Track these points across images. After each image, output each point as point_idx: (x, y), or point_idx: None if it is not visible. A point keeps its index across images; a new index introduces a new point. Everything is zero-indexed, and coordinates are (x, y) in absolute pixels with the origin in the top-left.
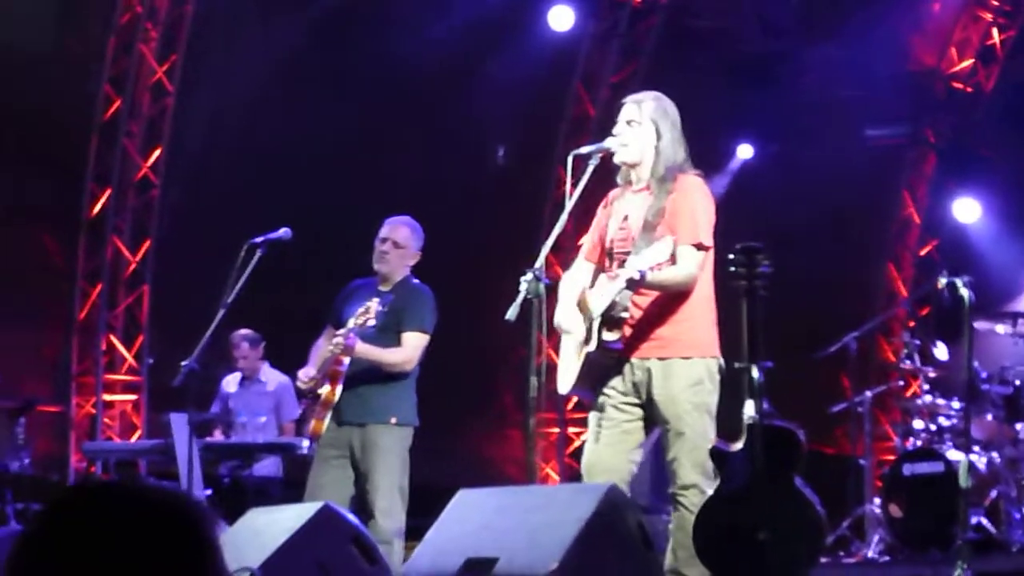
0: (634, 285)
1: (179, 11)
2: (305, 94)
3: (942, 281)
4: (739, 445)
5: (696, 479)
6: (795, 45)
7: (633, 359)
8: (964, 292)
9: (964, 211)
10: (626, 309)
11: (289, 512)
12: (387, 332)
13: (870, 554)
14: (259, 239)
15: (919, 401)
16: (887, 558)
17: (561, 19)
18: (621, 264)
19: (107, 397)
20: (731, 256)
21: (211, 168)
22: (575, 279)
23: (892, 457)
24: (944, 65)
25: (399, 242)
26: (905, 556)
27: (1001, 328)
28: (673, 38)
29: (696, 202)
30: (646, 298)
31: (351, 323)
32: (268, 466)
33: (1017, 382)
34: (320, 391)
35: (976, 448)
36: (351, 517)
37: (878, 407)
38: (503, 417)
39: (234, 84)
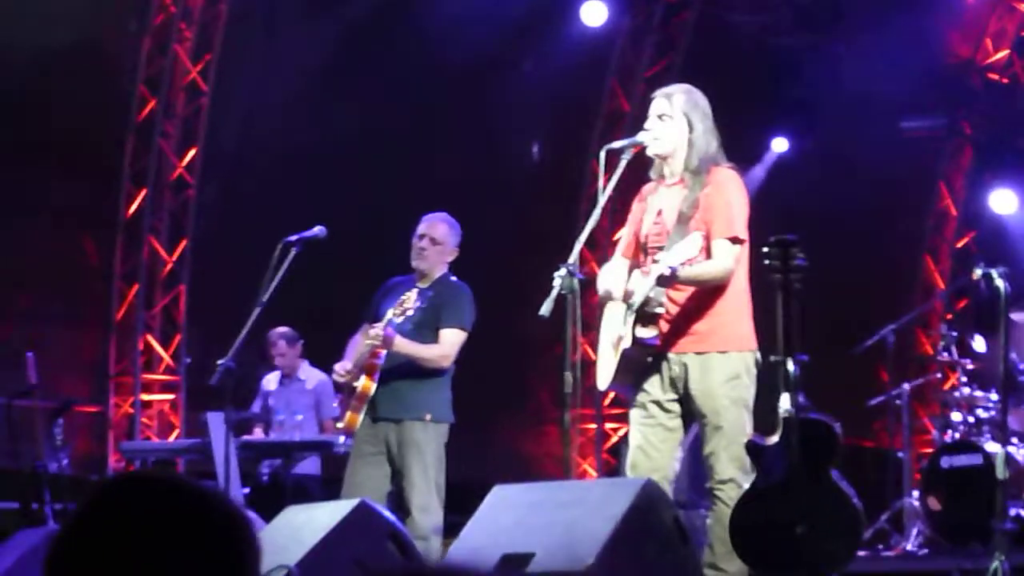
0: (666, 282)
1: (213, 11)
2: (340, 93)
3: (978, 272)
4: (775, 439)
5: (734, 473)
6: (829, 38)
7: (670, 354)
8: (1000, 283)
9: (1001, 202)
10: (661, 304)
11: (326, 509)
12: (425, 328)
13: (909, 547)
14: (294, 237)
15: (957, 393)
16: (926, 551)
17: (594, 14)
18: (655, 259)
19: (145, 397)
20: (766, 249)
21: (247, 167)
22: (612, 275)
23: (930, 450)
24: (979, 56)
25: (437, 239)
26: (944, 549)
27: None
28: (707, 32)
29: (730, 195)
30: (682, 293)
31: (389, 314)
32: (307, 464)
33: None
34: (356, 384)
35: (1014, 440)
36: (387, 514)
37: (916, 400)
38: (540, 413)
39: (270, 83)
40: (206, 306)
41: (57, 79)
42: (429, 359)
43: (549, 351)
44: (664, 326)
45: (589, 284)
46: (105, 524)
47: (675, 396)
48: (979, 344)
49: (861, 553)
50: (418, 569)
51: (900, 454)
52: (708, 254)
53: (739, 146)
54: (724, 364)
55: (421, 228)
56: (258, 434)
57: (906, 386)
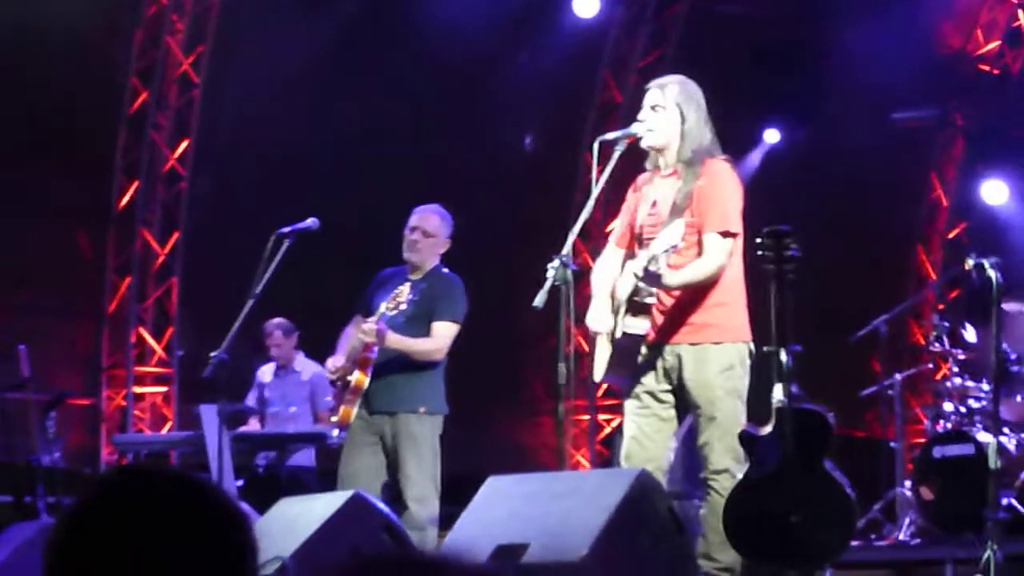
0: (655, 284)
1: (205, 3)
2: (333, 84)
3: (970, 263)
4: (768, 429)
5: (728, 464)
6: (822, 30)
7: (664, 345)
8: (992, 273)
9: (992, 193)
10: (651, 295)
11: (320, 501)
12: (418, 321)
13: (902, 537)
14: (287, 229)
15: (949, 384)
16: (919, 541)
17: (587, 6)
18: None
19: (137, 389)
20: (759, 240)
21: (239, 159)
22: (606, 266)
23: (923, 440)
24: (971, 47)
25: (429, 231)
26: (937, 538)
27: None
28: (700, 23)
29: (723, 188)
30: None
31: (382, 308)
32: (301, 456)
33: None
34: (350, 377)
35: (1006, 430)
36: (382, 505)
37: (908, 390)
38: (534, 404)
39: (262, 75)
40: (199, 298)
41: (49, 72)
42: (423, 352)
43: (543, 342)
44: (658, 317)
45: (583, 275)
46: (104, 516)
47: (669, 387)
48: (970, 334)
49: (854, 543)
50: (409, 555)
51: (892, 444)
52: (700, 247)
53: (731, 137)
54: (719, 355)
55: (413, 220)
56: (254, 426)
57: (898, 376)
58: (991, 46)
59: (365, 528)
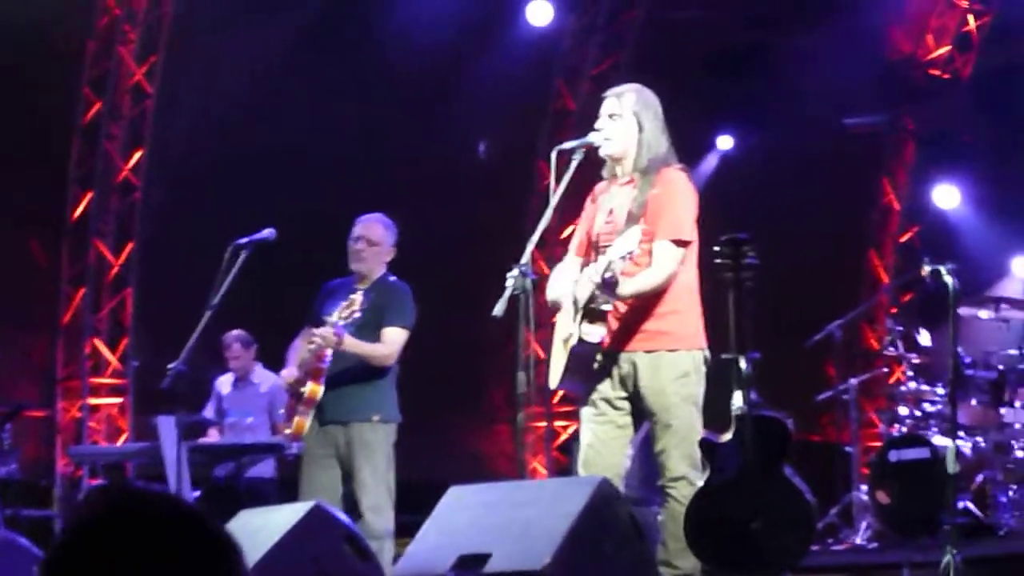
0: (608, 292)
1: (158, 13)
2: (287, 94)
3: (926, 268)
4: (728, 436)
5: (685, 471)
6: (775, 36)
7: (619, 352)
8: (949, 279)
9: (944, 197)
10: (607, 302)
11: (281, 513)
12: (367, 329)
13: (859, 541)
14: (244, 240)
15: (904, 388)
16: (875, 544)
17: (540, 14)
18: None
19: (93, 401)
20: (717, 248)
21: (194, 169)
22: (564, 274)
23: (878, 444)
24: (921, 52)
25: (373, 239)
26: (894, 542)
27: (984, 313)
28: (653, 30)
29: (678, 196)
30: None
31: (335, 316)
32: (260, 467)
33: (1001, 367)
34: (303, 389)
35: (961, 433)
36: (343, 516)
37: (863, 394)
38: (492, 413)
39: (217, 85)
40: (154, 309)
41: (2, 82)
42: (377, 357)
43: (501, 351)
44: (613, 324)
45: (542, 284)
46: (97, 539)
47: (625, 394)
48: (924, 338)
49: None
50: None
51: (848, 448)
52: (651, 255)
53: (685, 144)
54: (673, 362)
55: (356, 230)
56: (212, 437)
57: (854, 381)
58: (941, 51)
59: (326, 539)
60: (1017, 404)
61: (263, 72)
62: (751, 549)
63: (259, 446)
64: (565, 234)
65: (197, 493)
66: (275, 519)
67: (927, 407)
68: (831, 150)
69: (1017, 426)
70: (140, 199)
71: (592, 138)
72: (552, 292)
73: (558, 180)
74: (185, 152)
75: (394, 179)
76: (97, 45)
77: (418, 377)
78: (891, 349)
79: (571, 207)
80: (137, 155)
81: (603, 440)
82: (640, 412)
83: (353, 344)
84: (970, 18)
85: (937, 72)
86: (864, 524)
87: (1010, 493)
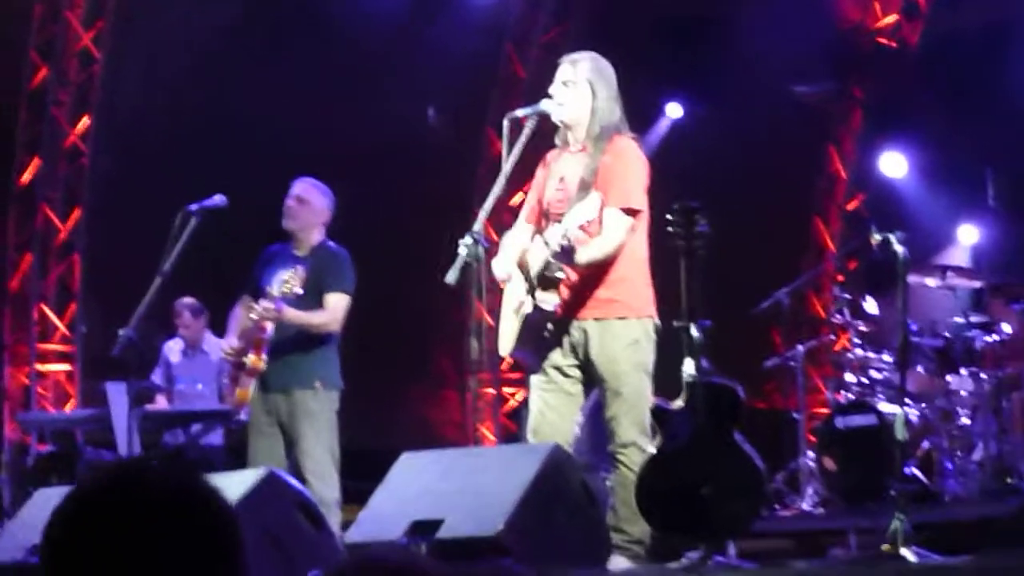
0: (563, 259)
1: None
2: (236, 61)
3: (876, 237)
4: (680, 403)
5: (635, 437)
6: (724, 4)
7: (571, 320)
8: (899, 248)
9: (890, 165)
10: (561, 270)
11: (233, 479)
12: (308, 296)
13: (805, 507)
14: (194, 207)
15: (850, 355)
16: (822, 510)
17: None
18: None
19: (40, 367)
20: (669, 216)
21: (142, 135)
22: (515, 240)
23: (824, 411)
24: (869, 21)
25: (303, 197)
26: (839, 508)
27: (931, 281)
28: None
29: (628, 165)
30: None
31: (275, 291)
32: (210, 435)
33: (947, 334)
34: (245, 359)
35: (908, 400)
36: (295, 483)
37: (808, 361)
38: (439, 380)
39: (165, 51)
40: (102, 275)
41: None
42: (319, 325)
43: (449, 318)
44: (565, 292)
45: (494, 251)
46: (101, 508)
47: (576, 362)
48: (871, 306)
49: None
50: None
51: (795, 415)
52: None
53: (634, 111)
54: (624, 330)
55: (291, 191)
56: (161, 403)
57: (800, 348)
58: (889, 19)
59: (279, 506)
60: (963, 372)
61: (211, 38)
62: (701, 515)
63: (209, 413)
64: (514, 201)
65: None
66: (227, 486)
67: (873, 374)
68: (779, 118)
69: (963, 393)
70: (88, 165)
71: (545, 104)
72: (500, 264)
73: (510, 148)
74: (133, 118)
75: (343, 146)
76: (44, 9)
77: (366, 345)
78: (838, 316)
79: (518, 174)
80: (85, 121)
81: (553, 407)
82: (591, 379)
83: (294, 315)
84: None
85: (885, 40)
86: (810, 490)
87: (955, 460)
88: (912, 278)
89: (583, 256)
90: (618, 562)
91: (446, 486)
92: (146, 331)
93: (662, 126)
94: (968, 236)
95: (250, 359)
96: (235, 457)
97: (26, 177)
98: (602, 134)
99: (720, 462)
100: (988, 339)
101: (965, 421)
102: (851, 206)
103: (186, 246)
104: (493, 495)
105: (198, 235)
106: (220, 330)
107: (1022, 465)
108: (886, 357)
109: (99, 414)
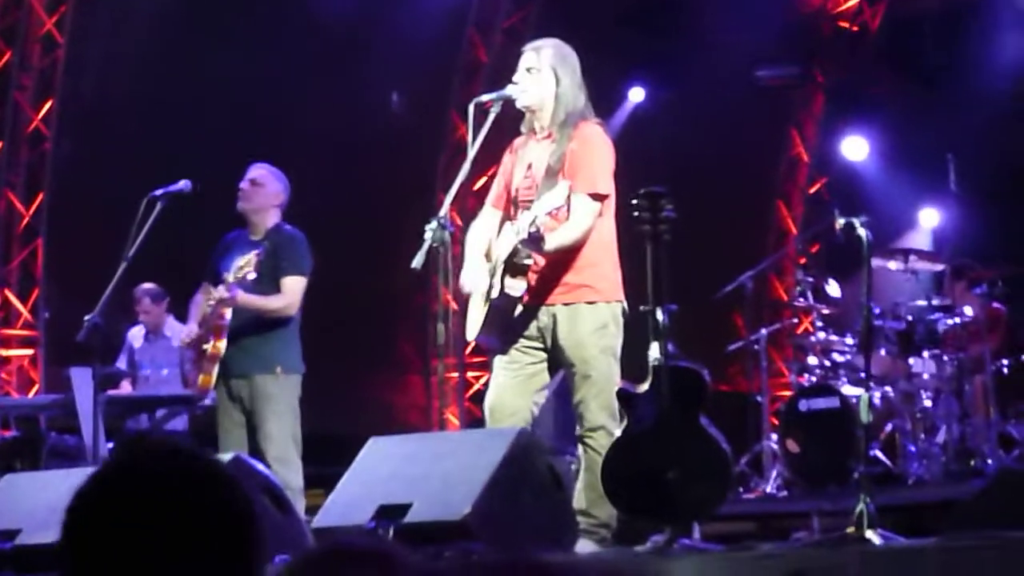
0: (532, 247)
1: None
2: (199, 45)
3: (840, 221)
4: (645, 387)
5: (603, 421)
6: None
7: (539, 306)
8: (862, 232)
9: (852, 149)
10: (529, 256)
11: None
12: (265, 281)
13: (769, 489)
14: (159, 192)
15: (813, 338)
16: (785, 493)
17: None
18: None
19: (4, 352)
20: (634, 201)
21: (105, 120)
22: (482, 227)
23: (787, 394)
24: (831, 5)
25: (257, 179)
26: (803, 490)
27: (893, 264)
28: None
29: (594, 150)
30: None
31: (230, 277)
32: (174, 420)
33: (910, 317)
34: (205, 346)
35: (871, 383)
36: (262, 467)
37: (772, 345)
38: (403, 364)
39: (128, 36)
40: (65, 261)
41: None
42: (275, 309)
43: (412, 302)
44: (533, 278)
45: (459, 236)
46: (117, 488)
47: (540, 345)
48: (833, 289)
49: None
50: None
51: (758, 398)
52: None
53: (597, 96)
54: (592, 314)
55: (245, 175)
56: (126, 388)
57: (764, 331)
58: (850, 3)
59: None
60: (925, 354)
61: (174, 23)
62: (667, 498)
63: (173, 398)
64: (477, 186)
65: (110, 445)
66: None
67: (836, 357)
68: (741, 102)
69: (925, 376)
70: (51, 150)
71: (509, 90)
72: (469, 244)
73: (475, 133)
74: (96, 103)
75: (306, 130)
76: None
77: (330, 329)
78: (800, 300)
79: (483, 159)
80: (48, 105)
81: (510, 385)
82: (557, 363)
83: (248, 300)
84: None
85: (846, 24)
86: (774, 473)
87: (918, 442)
88: (875, 261)
89: (551, 242)
90: (584, 545)
91: (413, 470)
92: (110, 316)
93: (625, 111)
94: (929, 220)
95: (211, 345)
96: (199, 442)
97: None
98: (567, 120)
99: (686, 445)
100: (950, 322)
101: (927, 404)
102: (813, 190)
103: (151, 231)
104: (460, 479)
105: (162, 220)
106: (184, 315)
107: (984, 447)
108: (849, 340)
109: (63, 399)
